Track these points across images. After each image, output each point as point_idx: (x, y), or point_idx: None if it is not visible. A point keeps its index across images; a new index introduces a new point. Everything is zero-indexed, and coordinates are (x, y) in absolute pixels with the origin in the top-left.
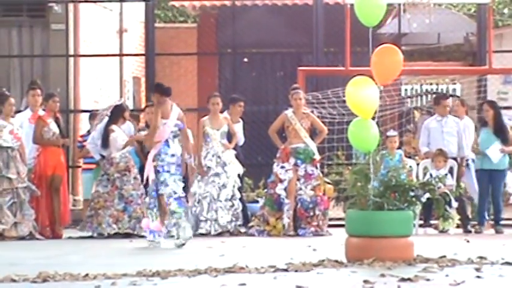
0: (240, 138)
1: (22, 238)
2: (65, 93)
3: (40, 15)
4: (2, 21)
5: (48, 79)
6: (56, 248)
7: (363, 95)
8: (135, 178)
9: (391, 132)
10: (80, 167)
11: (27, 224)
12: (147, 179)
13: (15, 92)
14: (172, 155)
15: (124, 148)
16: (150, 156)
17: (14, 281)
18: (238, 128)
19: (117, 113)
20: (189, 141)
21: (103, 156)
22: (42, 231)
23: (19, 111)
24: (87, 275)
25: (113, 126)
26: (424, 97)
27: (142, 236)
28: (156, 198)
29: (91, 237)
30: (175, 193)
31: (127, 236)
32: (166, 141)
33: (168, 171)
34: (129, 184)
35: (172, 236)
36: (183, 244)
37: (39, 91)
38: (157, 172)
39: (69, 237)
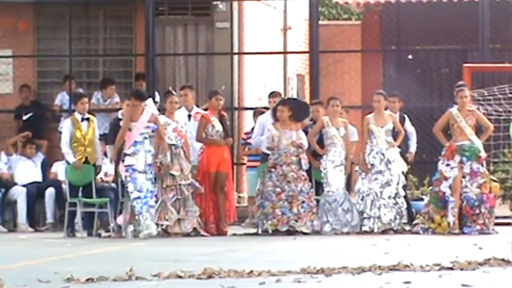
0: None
1: (187, 235)
2: (230, 90)
3: (205, 14)
4: (168, 20)
5: (212, 77)
6: (220, 244)
7: None
8: (282, 175)
9: None
10: (244, 164)
11: (190, 221)
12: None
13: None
14: (142, 156)
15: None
16: (121, 157)
17: (179, 277)
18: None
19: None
20: (164, 141)
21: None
22: (207, 228)
23: None
24: (251, 271)
25: (269, 126)
26: None
27: (306, 233)
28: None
29: (255, 234)
30: (141, 192)
31: (290, 233)
32: (135, 142)
33: (137, 171)
34: (270, 181)
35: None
36: (146, 238)
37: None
38: (126, 171)
39: (234, 234)
